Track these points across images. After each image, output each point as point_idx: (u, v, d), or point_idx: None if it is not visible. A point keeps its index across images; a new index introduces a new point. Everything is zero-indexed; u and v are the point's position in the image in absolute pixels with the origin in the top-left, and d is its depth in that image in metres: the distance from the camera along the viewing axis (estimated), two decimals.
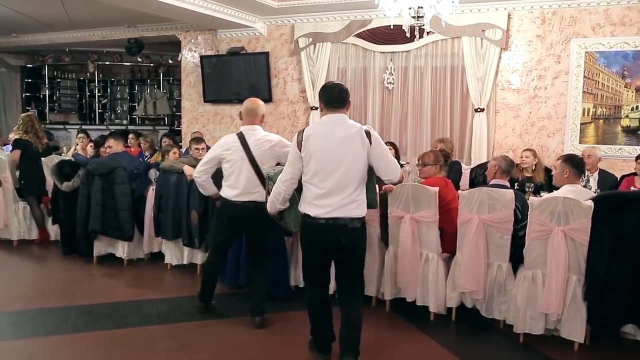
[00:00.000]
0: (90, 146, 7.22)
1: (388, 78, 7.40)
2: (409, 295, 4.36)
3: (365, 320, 3.85)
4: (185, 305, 4.49)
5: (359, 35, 7.43)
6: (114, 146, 5.71)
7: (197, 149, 5.46)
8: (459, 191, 4.38)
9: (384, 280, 4.49)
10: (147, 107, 11.58)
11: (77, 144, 7.58)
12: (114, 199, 5.49)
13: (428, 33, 5.91)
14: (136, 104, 12.06)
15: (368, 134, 3.21)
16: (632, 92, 6.23)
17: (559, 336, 3.84)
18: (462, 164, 6.52)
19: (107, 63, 11.96)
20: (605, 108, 6.37)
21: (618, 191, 5.07)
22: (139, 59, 11.41)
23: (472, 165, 6.60)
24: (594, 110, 6.41)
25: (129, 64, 11.93)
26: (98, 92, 12.12)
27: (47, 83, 11.78)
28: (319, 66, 7.66)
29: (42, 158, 6.49)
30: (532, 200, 3.94)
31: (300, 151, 3.24)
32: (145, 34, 9.14)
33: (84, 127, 10.56)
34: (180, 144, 8.43)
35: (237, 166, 3.97)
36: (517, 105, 6.79)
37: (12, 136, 6.91)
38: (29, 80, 11.86)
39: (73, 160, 6.16)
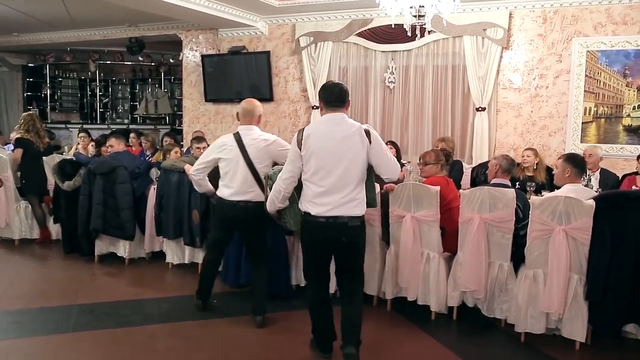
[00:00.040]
0: (92, 145, 7.23)
1: (389, 77, 7.40)
2: (410, 295, 4.36)
3: (366, 320, 3.85)
4: (187, 305, 4.49)
5: (360, 35, 7.43)
6: (115, 145, 5.71)
7: (198, 148, 5.46)
8: (460, 190, 4.38)
9: (385, 279, 4.49)
10: (148, 106, 11.58)
11: (79, 143, 7.59)
12: (115, 198, 5.49)
13: (429, 32, 5.90)
14: (137, 103, 12.07)
15: (367, 133, 3.24)
16: (634, 91, 6.22)
17: (560, 335, 3.84)
18: (463, 163, 6.52)
19: (108, 62, 11.97)
20: (607, 107, 6.36)
21: (619, 190, 5.07)
22: (140, 58, 11.40)
23: (474, 165, 6.59)
24: (595, 109, 6.41)
25: (130, 63, 11.94)
26: (99, 92, 12.13)
27: (48, 82, 11.78)
28: (320, 65, 7.66)
29: (44, 157, 6.50)
30: (533, 199, 3.93)
31: (300, 150, 3.26)
32: (146, 33, 9.14)
33: (85, 126, 10.56)
34: (181, 143, 8.43)
35: (233, 165, 4.00)
36: (519, 104, 6.78)
37: (14, 135, 6.91)
38: (31, 79, 11.87)
39: (74, 159, 6.17)
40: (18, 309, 4.46)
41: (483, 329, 4.19)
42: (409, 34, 5.25)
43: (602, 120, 6.39)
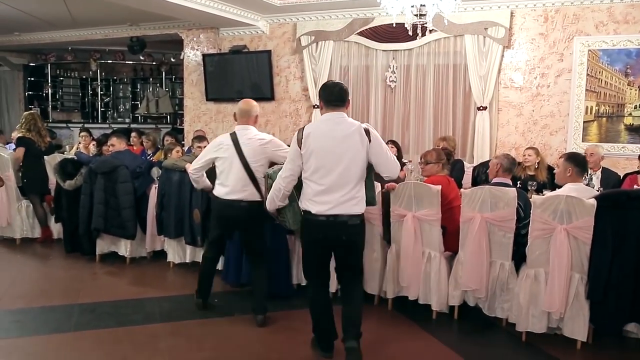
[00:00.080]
0: (93, 144, 7.23)
1: (390, 76, 7.39)
2: (411, 294, 4.36)
3: (367, 319, 3.86)
4: (188, 304, 4.49)
5: (361, 34, 7.42)
6: (116, 144, 5.72)
7: (199, 147, 5.46)
8: (461, 189, 4.37)
9: (386, 278, 4.49)
10: (149, 105, 11.57)
11: (80, 143, 7.59)
12: (116, 198, 5.50)
13: (430, 31, 5.90)
14: (138, 102, 12.06)
15: (367, 132, 3.27)
16: (635, 90, 6.21)
17: (561, 335, 3.84)
18: (464, 162, 6.51)
19: (109, 61, 11.96)
20: (608, 106, 6.35)
21: (621, 189, 5.06)
22: (141, 58, 11.40)
23: (475, 164, 6.59)
24: (596, 108, 6.39)
25: (131, 62, 11.93)
26: (100, 91, 12.12)
27: (49, 81, 11.77)
28: (321, 64, 7.65)
29: (45, 156, 6.51)
30: (534, 198, 3.93)
31: (300, 148, 3.29)
32: (147, 33, 9.14)
33: (86, 125, 10.58)
34: (182, 142, 8.44)
35: (228, 164, 4.03)
36: (520, 103, 6.77)
37: (15, 134, 6.92)
38: (32, 78, 11.86)
39: (76, 158, 6.18)
40: (19, 308, 4.46)
41: (484, 328, 4.19)
42: (410, 33, 5.25)
43: (604, 119, 6.38)
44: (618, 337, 3.92)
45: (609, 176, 5.64)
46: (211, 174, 4.31)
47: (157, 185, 5.60)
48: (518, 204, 3.98)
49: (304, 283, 4.53)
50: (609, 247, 3.64)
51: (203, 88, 8.64)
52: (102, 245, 5.79)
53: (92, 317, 4.29)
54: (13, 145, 7.08)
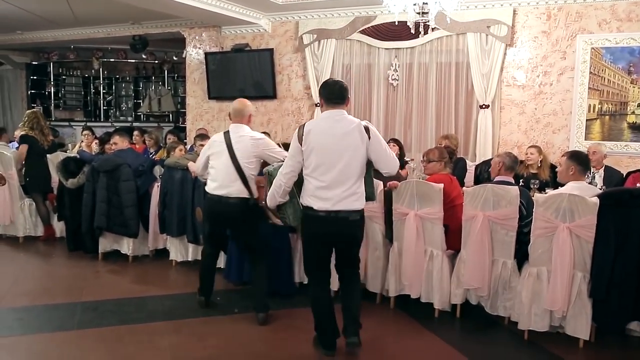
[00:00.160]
0: (95, 143, 7.24)
1: (393, 74, 7.39)
2: (413, 292, 4.36)
3: (369, 317, 3.87)
4: (190, 302, 4.50)
5: (363, 32, 7.41)
6: (119, 143, 5.72)
7: (201, 145, 5.44)
8: (464, 188, 4.37)
9: (389, 277, 4.49)
10: (151, 104, 11.59)
11: (82, 141, 7.60)
12: (119, 196, 5.50)
13: (433, 29, 5.88)
14: (141, 100, 12.08)
15: (367, 129, 3.34)
16: (639, 88, 6.19)
17: (564, 333, 3.84)
18: (466, 161, 6.51)
19: (111, 60, 11.99)
20: (611, 104, 6.34)
21: (624, 188, 5.04)
22: (143, 56, 11.42)
23: (477, 162, 6.59)
24: (599, 106, 6.38)
25: (133, 61, 11.95)
26: (103, 89, 12.15)
27: (52, 80, 11.80)
28: (324, 63, 7.65)
29: (48, 155, 6.52)
30: (537, 196, 3.93)
31: (301, 145, 3.34)
32: (149, 31, 9.14)
33: (89, 124, 10.61)
34: (184, 140, 8.44)
35: (219, 160, 4.09)
36: (523, 101, 6.76)
37: (18, 133, 6.93)
38: (34, 77, 11.88)
39: (78, 157, 6.19)
40: (23, 306, 4.48)
41: (486, 326, 4.19)
42: (413, 31, 5.25)
43: (607, 117, 6.37)
44: (621, 336, 3.92)
45: (611, 174, 5.63)
46: None
47: (159, 183, 5.61)
48: (520, 202, 3.97)
49: (306, 281, 4.52)
50: (611, 245, 3.63)
51: (205, 86, 8.64)
52: (105, 244, 5.81)
53: (94, 315, 4.30)
54: (16, 144, 7.09)
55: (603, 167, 5.68)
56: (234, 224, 4.18)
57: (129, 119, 12.15)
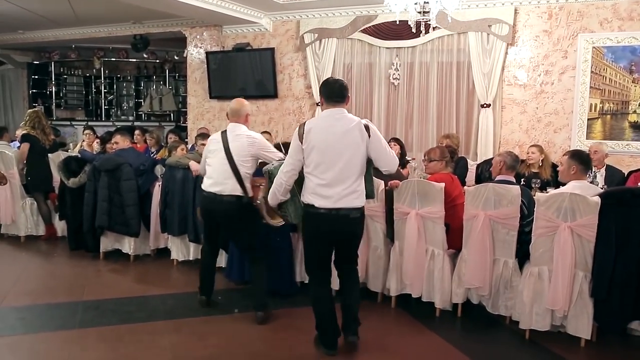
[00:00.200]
0: (97, 142, 7.25)
1: (394, 74, 7.38)
2: (414, 292, 4.36)
3: (370, 316, 3.87)
4: (191, 301, 4.50)
5: (364, 31, 7.41)
6: (120, 142, 5.73)
7: (202, 144, 5.46)
8: (465, 187, 4.37)
9: (390, 276, 4.49)
10: (153, 103, 11.59)
11: (84, 140, 7.61)
12: (120, 195, 5.51)
13: (434, 28, 5.89)
14: (142, 100, 12.08)
15: (367, 127, 3.37)
16: None
17: (565, 332, 3.83)
18: (468, 160, 6.51)
19: (113, 59, 11.98)
20: (613, 103, 6.33)
21: (625, 187, 5.03)
22: (144, 55, 11.42)
23: (478, 161, 6.58)
24: (601, 105, 6.37)
25: (134, 60, 11.95)
26: (104, 89, 12.14)
27: (53, 79, 11.80)
28: (325, 62, 7.65)
29: (49, 154, 6.53)
30: (538, 196, 3.92)
31: (301, 143, 3.37)
32: (150, 30, 9.15)
33: (90, 123, 10.60)
34: (186, 140, 8.44)
35: (214, 157, 4.13)
36: (524, 100, 6.76)
37: (20, 132, 6.94)
38: (36, 76, 11.88)
39: (79, 156, 6.19)
40: (24, 305, 4.49)
41: (488, 326, 4.19)
42: (414, 30, 5.24)
43: (608, 116, 6.36)
44: (622, 335, 3.92)
45: (613, 174, 5.63)
46: None
47: (160, 183, 5.61)
48: (522, 201, 3.97)
49: (307, 281, 4.54)
50: (613, 245, 3.63)
51: (206, 86, 8.64)
52: (106, 243, 5.81)
53: (96, 314, 4.31)
54: (17, 143, 7.10)
55: (604, 167, 5.68)
56: (229, 222, 4.19)
57: (130, 118, 12.15)
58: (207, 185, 4.16)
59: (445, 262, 4.28)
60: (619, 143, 6.30)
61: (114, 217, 5.56)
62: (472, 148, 7.03)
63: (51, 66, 11.80)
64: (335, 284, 3.86)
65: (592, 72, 6.34)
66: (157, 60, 11.88)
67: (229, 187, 4.03)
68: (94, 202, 5.58)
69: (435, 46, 7.11)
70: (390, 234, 4.54)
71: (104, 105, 12.21)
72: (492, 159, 5.54)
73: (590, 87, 6.36)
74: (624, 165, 6.06)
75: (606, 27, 6.26)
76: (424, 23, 5.18)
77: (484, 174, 5.94)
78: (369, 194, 3.55)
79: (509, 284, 4.08)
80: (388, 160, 3.43)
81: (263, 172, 3.81)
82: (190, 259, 5.56)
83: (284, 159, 3.70)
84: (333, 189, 3.33)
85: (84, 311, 4.35)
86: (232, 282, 4.96)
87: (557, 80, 6.57)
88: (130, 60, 11.97)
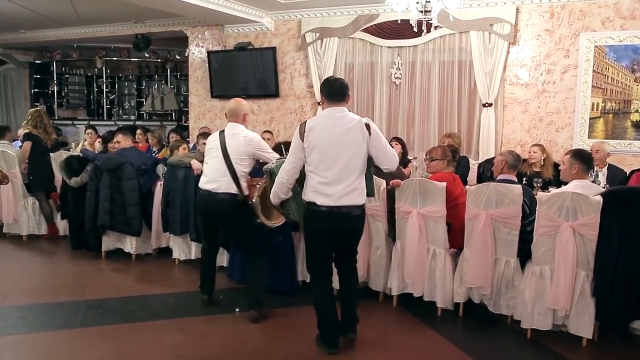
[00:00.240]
0: (99, 142, 7.25)
1: (395, 73, 7.37)
2: (416, 291, 4.36)
3: (372, 315, 3.87)
4: (193, 300, 4.51)
5: (366, 30, 7.41)
6: (122, 142, 5.73)
7: (204, 144, 5.44)
8: (467, 186, 4.36)
9: (391, 275, 4.49)
10: (154, 102, 11.59)
11: (86, 140, 7.61)
12: (122, 194, 5.52)
13: (436, 27, 5.89)
14: (144, 99, 12.08)
15: (367, 126, 3.39)
16: None
17: (566, 332, 3.83)
18: (469, 159, 6.50)
19: (114, 59, 11.99)
20: (615, 102, 6.32)
21: (627, 186, 5.03)
22: (146, 55, 11.42)
23: (480, 161, 6.57)
24: (603, 104, 6.36)
25: (136, 59, 11.95)
26: (106, 88, 12.15)
27: (55, 79, 11.81)
28: (326, 61, 7.64)
29: (51, 154, 6.53)
30: (540, 195, 3.92)
31: (302, 142, 3.38)
32: (152, 30, 9.15)
33: (92, 122, 10.60)
34: (187, 139, 8.45)
35: (211, 155, 4.16)
36: (526, 100, 6.75)
37: (21, 132, 6.95)
38: (38, 76, 11.89)
39: (81, 155, 6.20)
40: (26, 304, 4.49)
41: (489, 325, 4.19)
42: (415, 29, 5.23)
43: (610, 115, 6.35)
44: (624, 335, 3.91)
45: (615, 173, 5.62)
46: None
47: (162, 182, 5.62)
48: (523, 200, 3.97)
49: (308, 280, 4.55)
50: (614, 244, 3.63)
51: (208, 85, 8.65)
52: (108, 242, 5.82)
53: (98, 313, 4.31)
54: (19, 143, 7.11)
55: (606, 166, 5.67)
56: (223, 220, 4.19)
57: (132, 117, 12.16)
58: (202, 183, 4.19)
59: (447, 261, 4.27)
60: (621, 142, 6.29)
61: (116, 217, 5.57)
62: (473, 147, 7.02)
63: (53, 66, 11.81)
64: (334, 283, 3.86)
65: (594, 71, 6.33)
66: (159, 60, 11.89)
67: (223, 184, 4.04)
68: (95, 201, 5.59)
69: (437, 45, 7.10)
70: (391, 233, 4.54)
71: (106, 105, 12.22)
72: (493, 158, 5.53)
73: (592, 86, 6.35)
74: (625, 164, 6.05)
75: (608, 26, 6.25)
76: (425, 22, 5.17)
77: (486, 173, 5.93)
78: (369, 192, 3.57)
79: (511, 283, 4.07)
80: (388, 158, 3.45)
81: (264, 171, 3.82)
82: (192, 258, 5.56)
83: (280, 159, 3.72)
84: (335, 187, 3.35)
85: (86, 310, 4.36)
86: (233, 282, 4.96)
87: (559, 79, 6.56)
88: (131, 59, 11.97)
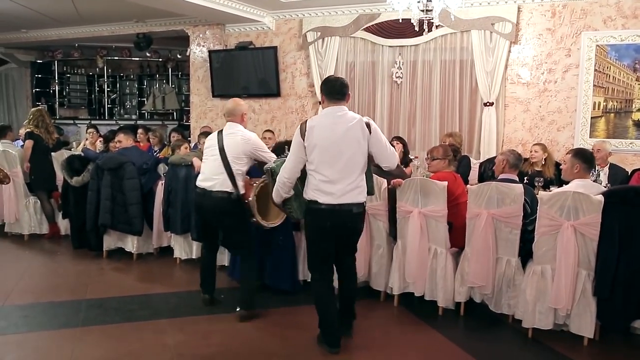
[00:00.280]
0: (100, 141, 7.26)
1: (397, 72, 7.37)
2: (417, 290, 4.35)
3: (373, 315, 3.87)
4: (195, 300, 4.52)
5: (367, 29, 7.40)
6: (123, 141, 5.74)
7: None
8: (468, 186, 4.36)
9: (392, 275, 4.49)
10: (155, 102, 11.59)
11: (87, 139, 7.63)
12: (123, 194, 5.52)
13: (437, 27, 5.88)
14: (145, 99, 12.08)
15: (368, 125, 3.43)
16: None
17: (568, 331, 3.83)
18: (471, 159, 6.50)
19: (116, 58, 11.99)
20: (616, 102, 6.31)
21: (629, 185, 5.03)
22: (147, 54, 11.42)
23: (481, 160, 6.56)
24: (604, 104, 6.35)
25: (137, 59, 11.95)
26: (107, 87, 12.15)
27: (56, 78, 11.81)
28: (328, 60, 7.64)
29: (52, 153, 6.54)
30: (541, 194, 3.91)
31: (303, 141, 3.40)
32: (153, 29, 9.15)
33: (93, 122, 10.61)
34: (189, 138, 8.45)
35: (209, 153, 4.18)
36: (527, 99, 6.74)
37: (23, 131, 6.96)
38: (39, 75, 11.90)
39: (83, 155, 6.20)
40: (28, 303, 4.50)
41: (490, 324, 4.18)
42: (417, 28, 5.24)
43: (612, 115, 6.34)
44: (625, 334, 3.91)
45: (616, 172, 5.61)
46: None
47: (163, 181, 5.62)
48: (525, 200, 3.96)
49: (310, 279, 4.55)
50: (616, 243, 3.62)
51: (209, 84, 8.65)
52: (109, 241, 5.83)
53: (99, 312, 4.32)
54: (21, 142, 7.12)
55: (608, 165, 5.66)
56: (218, 218, 4.19)
57: (133, 117, 12.15)
58: (198, 180, 4.21)
59: (448, 260, 4.27)
60: (623, 141, 6.29)
61: (117, 216, 5.57)
62: (475, 146, 7.02)
63: (54, 65, 11.81)
64: (334, 282, 3.87)
65: (595, 70, 6.32)
66: (160, 59, 11.89)
67: (219, 182, 4.06)
68: (97, 200, 5.60)
69: (438, 44, 7.10)
70: (393, 233, 4.54)
71: (107, 104, 12.22)
72: (495, 157, 5.51)
73: (594, 85, 6.35)
74: (627, 163, 6.04)
75: (610, 25, 6.24)
76: (426, 21, 5.17)
77: (487, 172, 5.92)
78: (369, 191, 3.60)
79: (512, 282, 4.07)
80: (388, 156, 3.50)
81: (264, 171, 3.83)
82: (193, 257, 5.57)
83: (281, 158, 3.73)
84: (336, 185, 3.37)
85: (87, 309, 4.37)
86: (234, 281, 4.94)
87: (560, 78, 6.55)
88: (133, 59, 11.97)
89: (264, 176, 4.14)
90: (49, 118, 6.84)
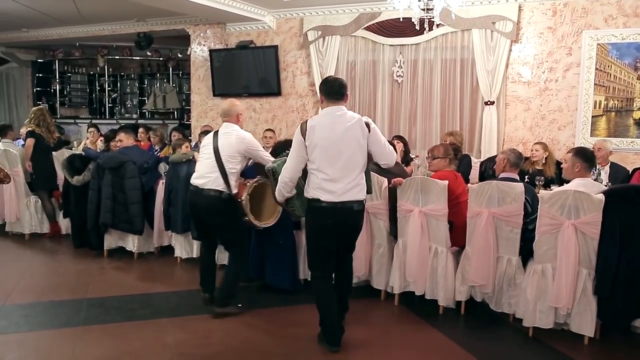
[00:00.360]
0: (101, 140, 7.27)
1: (397, 71, 7.36)
2: (418, 289, 4.35)
3: (374, 314, 3.87)
4: (195, 299, 4.51)
5: (368, 28, 7.40)
6: (124, 140, 5.74)
7: None
8: (469, 184, 4.36)
9: (393, 274, 4.49)
10: (156, 101, 11.61)
11: (88, 138, 7.63)
12: (124, 193, 5.52)
13: (438, 25, 5.87)
14: (146, 98, 12.09)
15: (367, 124, 3.49)
16: None
17: (568, 330, 3.83)
18: (471, 158, 6.49)
19: (116, 57, 11.99)
20: (617, 100, 6.30)
21: (630, 184, 5.02)
22: (148, 53, 11.42)
23: (482, 159, 6.56)
24: (605, 102, 6.34)
25: (138, 58, 11.95)
26: (108, 87, 12.16)
27: (57, 78, 11.81)
28: (328, 59, 7.63)
29: (53, 152, 6.55)
30: (542, 193, 3.91)
31: (304, 140, 3.44)
32: (154, 28, 9.15)
33: (94, 121, 10.63)
34: (189, 137, 8.45)
35: (204, 152, 4.21)
36: (528, 98, 6.73)
37: (24, 130, 6.97)
38: (40, 74, 11.90)
39: (84, 154, 6.20)
40: (29, 303, 4.50)
41: (491, 323, 4.18)
42: (418, 27, 5.24)
43: (613, 113, 6.33)
44: (626, 333, 3.90)
45: (617, 171, 5.61)
46: None
47: (164, 180, 5.62)
48: (525, 199, 3.96)
49: (310, 278, 4.55)
50: (617, 242, 3.62)
51: (210, 83, 8.65)
52: (110, 241, 5.83)
53: (100, 311, 4.33)
54: (22, 141, 7.13)
55: (609, 164, 5.65)
56: (210, 216, 4.19)
57: (134, 116, 12.16)
58: (192, 178, 4.23)
59: (449, 259, 4.27)
60: (624, 140, 6.28)
61: (118, 215, 5.58)
62: (475, 145, 7.01)
63: (55, 64, 11.81)
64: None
65: (596, 69, 6.32)
66: (161, 58, 11.89)
67: (211, 180, 4.07)
68: (98, 200, 5.60)
69: (439, 43, 7.10)
70: (393, 232, 4.54)
71: (108, 103, 12.22)
72: (495, 156, 5.51)
73: (595, 84, 6.34)
74: (628, 162, 6.03)
75: (611, 24, 6.23)
76: (427, 20, 5.17)
77: (488, 171, 5.92)
78: (368, 189, 3.64)
79: (513, 281, 4.07)
80: (387, 154, 3.56)
81: (266, 170, 3.83)
82: (194, 256, 5.57)
83: (281, 157, 3.74)
84: (337, 184, 3.41)
85: (88, 308, 4.37)
86: None
87: (561, 77, 6.54)
88: (134, 58, 11.97)
89: (258, 177, 4.16)
90: (50, 117, 6.84)
